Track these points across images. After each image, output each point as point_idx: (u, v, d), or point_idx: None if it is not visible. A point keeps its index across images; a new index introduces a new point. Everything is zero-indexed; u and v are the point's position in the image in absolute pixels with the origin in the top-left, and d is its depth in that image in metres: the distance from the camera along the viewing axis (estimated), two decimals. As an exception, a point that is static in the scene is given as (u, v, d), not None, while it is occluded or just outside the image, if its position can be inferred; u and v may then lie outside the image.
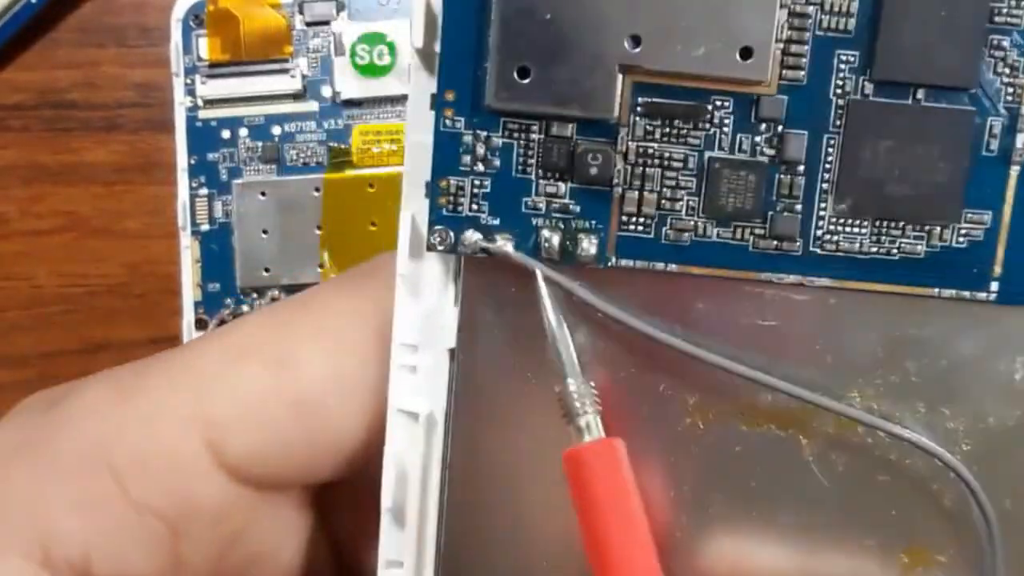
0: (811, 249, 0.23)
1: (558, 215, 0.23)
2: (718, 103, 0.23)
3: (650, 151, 0.23)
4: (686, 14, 0.22)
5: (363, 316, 0.24)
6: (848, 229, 0.24)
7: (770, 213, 0.23)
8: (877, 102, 0.23)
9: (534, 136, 0.23)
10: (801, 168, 0.23)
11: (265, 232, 0.43)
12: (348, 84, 0.42)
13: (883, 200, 0.23)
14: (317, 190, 0.43)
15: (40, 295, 0.46)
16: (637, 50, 0.22)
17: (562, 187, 0.23)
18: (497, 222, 0.23)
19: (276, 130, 0.43)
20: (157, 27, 0.43)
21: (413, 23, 0.22)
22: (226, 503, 0.25)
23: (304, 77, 0.42)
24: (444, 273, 0.24)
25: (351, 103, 0.43)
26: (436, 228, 0.23)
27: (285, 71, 0.42)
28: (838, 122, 0.23)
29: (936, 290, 0.24)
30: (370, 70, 0.42)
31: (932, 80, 0.23)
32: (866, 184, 0.23)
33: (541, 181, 0.23)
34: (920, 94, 0.23)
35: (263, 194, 0.43)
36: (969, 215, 0.23)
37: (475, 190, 0.23)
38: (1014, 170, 0.23)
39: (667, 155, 0.23)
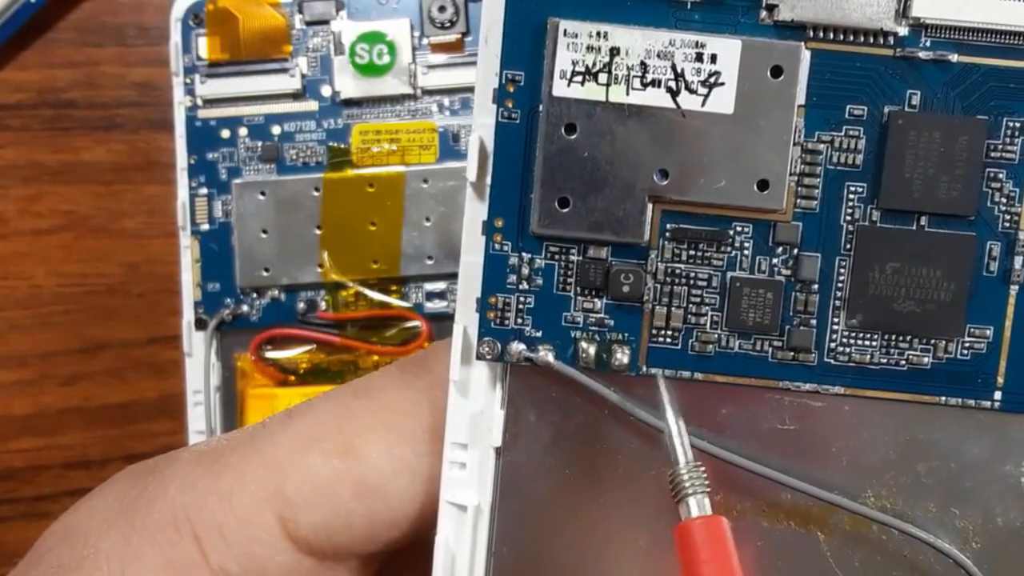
0: (825, 360, 0.26)
1: (594, 328, 0.26)
2: (738, 229, 0.25)
3: (677, 271, 0.26)
4: (708, 151, 0.25)
5: (418, 412, 0.27)
6: (859, 342, 0.26)
7: (787, 327, 0.26)
8: (884, 228, 0.25)
9: (573, 258, 0.26)
10: (815, 286, 0.25)
11: (264, 232, 0.42)
12: (347, 83, 0.42)
13: (891, 316, 0.25)
14: (317, 190, 0.42)
15: (39, 295, 0.45)
16: (665, 183, 0.25)
17: (598, 303, 0.26)
18: (539, 334, 0.26)
19: (276, 129, 0.42)
20: (156, 26, 0.43)
21: (469, 160, 0.25)
22: (292, 571, 0.27)
23: (303, 76, 0.42)
24: (491, 379, 0.26)
25: (350, 102, 0.42)
26: (485, 339, 0.26)
27: (284, 70, 0.42)
28: (848, 245, 0.25)
29: (943, 398, 0.26)
30: (369, 69, 0.41)
31: (934, 208, 0.25)
32: (875, 301, 0.25)
33: (579, 298, 0.26)
34: (924, 220, 0.25)
35: (263, 194, 0.42)
36: (972, 330, 0.26)
37: (520, 306, 0.26)
38: (1013, 289, 0.26)
39: (693, 275, 0.26)
